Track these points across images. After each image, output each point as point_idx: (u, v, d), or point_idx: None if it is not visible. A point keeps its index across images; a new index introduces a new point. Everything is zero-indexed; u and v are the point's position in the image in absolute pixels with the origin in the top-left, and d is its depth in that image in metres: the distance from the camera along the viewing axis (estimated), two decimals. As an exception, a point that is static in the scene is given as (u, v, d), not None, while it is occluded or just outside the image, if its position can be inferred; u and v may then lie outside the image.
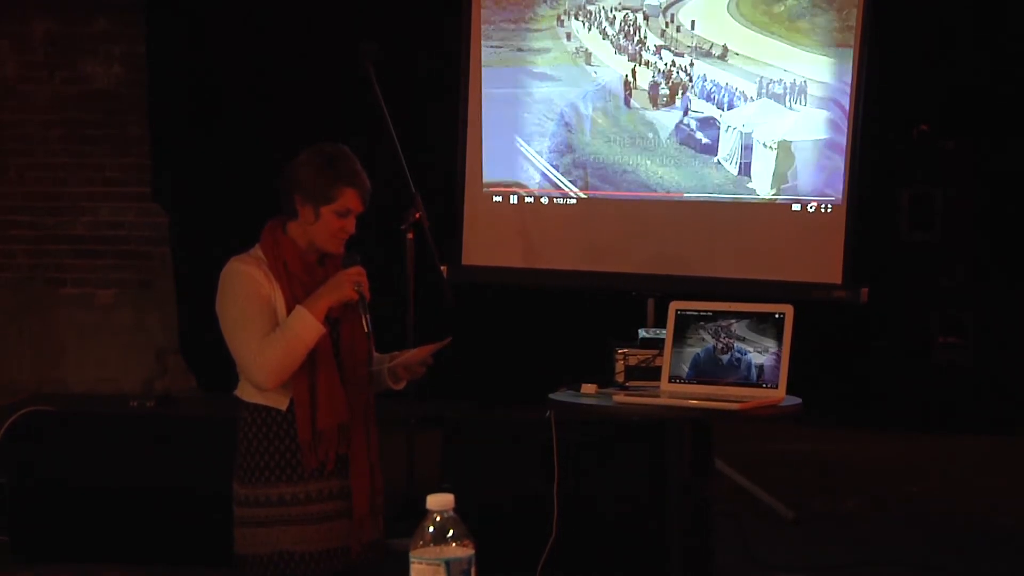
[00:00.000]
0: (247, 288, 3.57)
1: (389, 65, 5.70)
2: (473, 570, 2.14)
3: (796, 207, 5.38)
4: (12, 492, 5.29)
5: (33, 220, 8.51)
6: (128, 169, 8.44)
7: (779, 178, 5.37)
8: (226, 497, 3.73)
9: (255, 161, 7.57)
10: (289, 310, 3.57)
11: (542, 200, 5.67)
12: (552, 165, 5.62)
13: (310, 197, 3.60)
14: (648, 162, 5.51)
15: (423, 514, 2.15)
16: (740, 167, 5.43)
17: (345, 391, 3.63)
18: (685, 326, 3.98)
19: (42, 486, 5.25)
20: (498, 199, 5.74)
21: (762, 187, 5.38)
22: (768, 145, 5.37)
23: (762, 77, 5.40)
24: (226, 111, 8.03)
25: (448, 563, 2.11)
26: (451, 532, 2.14)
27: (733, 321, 3.93)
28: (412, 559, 2.13)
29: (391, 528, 3.75)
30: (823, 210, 5.33)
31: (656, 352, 4.18)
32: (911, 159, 7.58)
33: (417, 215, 5.35)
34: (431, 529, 2.13)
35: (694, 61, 5.50)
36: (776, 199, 5.40)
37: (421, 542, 2.13)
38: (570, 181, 5.61)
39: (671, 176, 5.49)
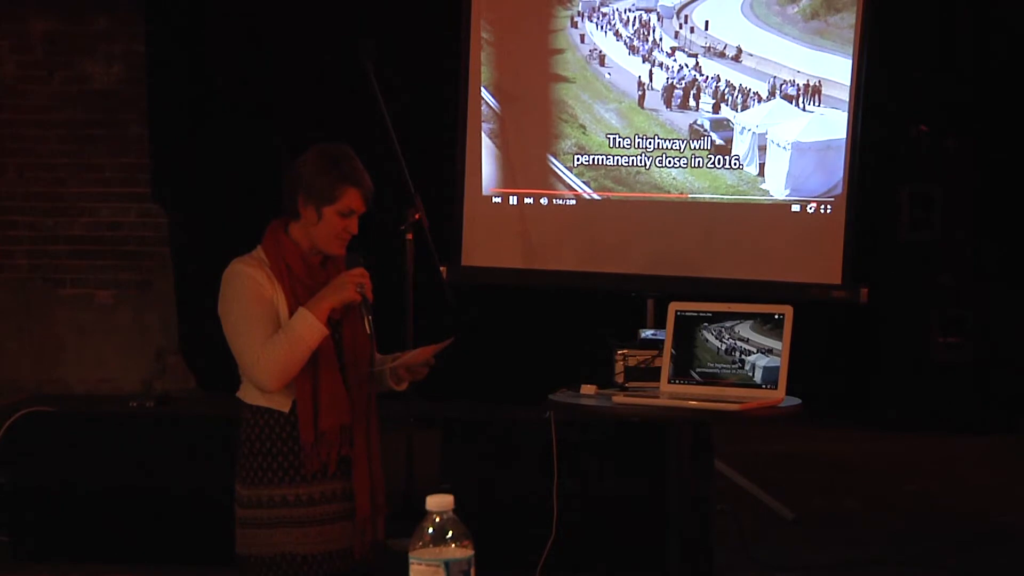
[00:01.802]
0: (249, 290, 3.57)
1: (389, 64, 5.70)
2: (472, 571, 2.14)
3: (796, 207, 5.38)
4: (12, 492, 5.29)
5: (33, 220, 8.51)
6: (128, 169, 8.44)
7: (793, 179, 5.35)
8: (226, 497, 3.72)
9: (255, 161, 7.59)
10: (291, 312, 3.56)
11: (542, 201, 5.66)
12: (566, 167, 5.61)
13: (313, 197, 3.59)
14: (662, 163, 5.50)
15: (423, 514, 2.15)
16: (756, 168, 5.42)
17: (348, 392, 3.63)
18: (685, 327, 3.98)
19: (42, 486, 5.25)
20: (498, 200, 5.73)
21: (776, 188, 5.36)
22: (782, 146, 5.35)
23: (775, 78, 5.39)
24: (226, 111, 8.03)
25: (447, 564, 2.11)
26: (450, 533, 2.13)
27: (733, 322, 3.93)
28: (411, 560, 2.13)
29: (391, 528, 3.75)
30: (823, 210, 5.33)
31: (656, 353, 4.18)
32: (910, 158, 7.58)
33: (417, 216, 5.34)
34: (430, 530, 2.13)
35: (708, 62, 5.49)
36: (776, 199, 5.40)
37: (420, 543, 2.13)
38: (583, 183, 5.60)
39: (685, 177, 5.47)
